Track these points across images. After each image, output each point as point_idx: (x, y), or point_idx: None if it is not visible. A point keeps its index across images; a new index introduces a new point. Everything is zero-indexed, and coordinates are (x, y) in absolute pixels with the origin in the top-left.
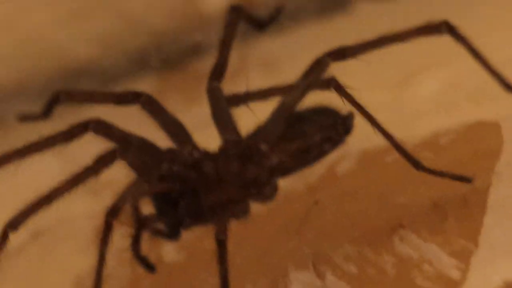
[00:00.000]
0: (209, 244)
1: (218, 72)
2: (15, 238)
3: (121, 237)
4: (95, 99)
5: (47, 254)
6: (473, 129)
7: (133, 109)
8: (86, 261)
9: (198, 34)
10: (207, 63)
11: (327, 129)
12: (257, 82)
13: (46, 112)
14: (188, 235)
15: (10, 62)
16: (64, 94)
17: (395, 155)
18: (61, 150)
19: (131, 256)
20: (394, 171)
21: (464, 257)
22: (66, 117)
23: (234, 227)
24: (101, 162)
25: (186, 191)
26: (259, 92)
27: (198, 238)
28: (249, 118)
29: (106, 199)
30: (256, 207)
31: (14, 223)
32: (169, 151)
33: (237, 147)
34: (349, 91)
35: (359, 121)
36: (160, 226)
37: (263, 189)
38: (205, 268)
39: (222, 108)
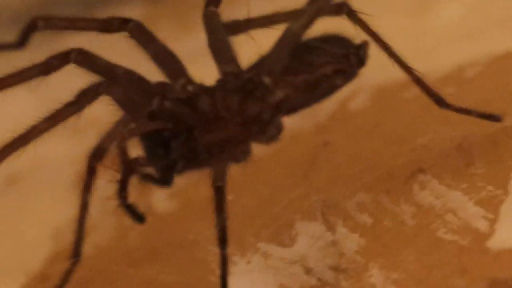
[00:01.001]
0: (205, 191)
1: None
2: None
3: (106, 183)
4: (77, 26)
5: (22, 204)
6: (503, 60)
7: (120, 38)
8: (66, 211)
9: None
10: None
11: (338, 60)
12: (259, 6)
13: (22, 41)
14: (182, 181)
15: None
16: (42, 21)
17: (415, 90)
18: (38, 84)
19: (117, 205)
20: (414, 109)
21: (492, 205)
22: (45, 47)
23: (234, 171)
24: (84, 98)
25: (179, 130)
26: (261, 18)
27: (193, 184)
28: (250, 48)
29: (89, 140)
30: (258, 149)
31: None
32: (160, 84)
33: (237, 80)
34: (363, 16)
35: (374, 52)
36: (150, 170)
37: (266, 128)
38: (201, 218)
39: (220, 37)
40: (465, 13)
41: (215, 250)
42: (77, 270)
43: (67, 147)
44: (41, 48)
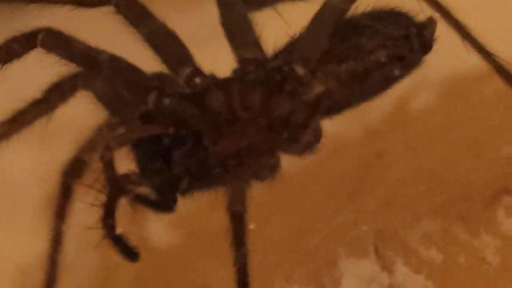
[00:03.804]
0: (219, 218)
1: None
2: None
3: (85, 207)
4: None
5: None
6: None
7: (102, 14)
8: (33, 244)
9: None
10: None
11: (396, 43)
12: None
13: None
14: (187, 205)
15: None
16: None
17: (497, 83)
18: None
19: (102, 236)
20: (495, 108)
21: None
22: (5, 25)
23: (257, 192)
24: (56, 94)
25: (183, 136)
26: None
27: (202, 209)
28: (277, 27)
29: (63, 150)
30: (289, 162)
31: None
32: (158, 76)
33: (260, 70)
34: None
35: (442, 33)
36: (145, 190)
37: (300, 134)
38: (212, 255)
39: (236, 13)
40: None
41: None
42: None
43: (34, 159)
44: (1, 27)
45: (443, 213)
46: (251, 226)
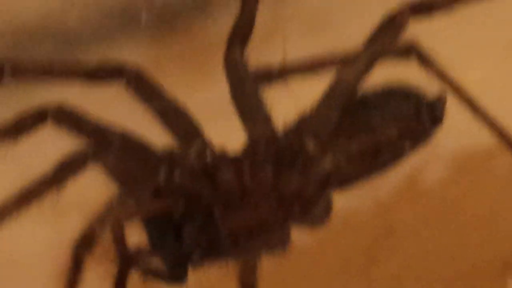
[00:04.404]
0: None
1: (240, 34)
2: None
3: (97, 280)
4: (56, 73)
5: None
6: None
7: (113, 90)
8: None
9: None
10: (223, 21)
11: (406, 119)
12: (299, 48)
13: None
14: (198, 278)
15: None
16: (10, 67)
17: (507, 158)
18: (8, 151)
19: None
20: (505, 183)
21: None
22: (14, 102)
23: (267, 264)
24: (66, 169)
25: (194, 210)
26: (302, 64)
27: (214, 281)
28: (288, 103)
29: (74, 225)
30: (300, 235)
31: None
32: (169, 152)
33: (271, 146)
34: (437, 62)
35: (452, 107)
36: (156, 263)
37: (311, 207)
38: None
39: (247, 88)
40: None
41: None
42: None
43: (45, 233)
44: (9, 104)
45: (454, 286)
46: None
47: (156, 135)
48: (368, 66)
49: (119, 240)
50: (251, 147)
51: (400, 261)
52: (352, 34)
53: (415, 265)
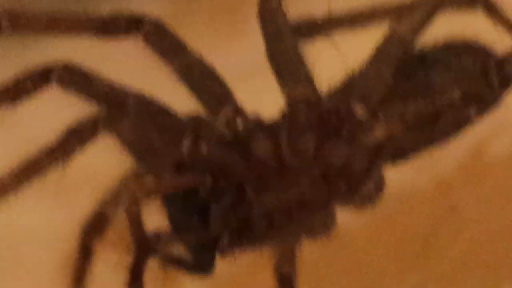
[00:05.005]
0: (264, 282)
1: None
2: None
3: (108, 270)
4: (64, 26)
5: None
6: None
7: (129, 45)
8: None
9: None
10: None
11: (471, 80)
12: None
13: None
14: (228, 267)
15: None
16: (10, 18)
17: None
18: (9, 116)
19: None
20: None
21: None
22: (13, 60)
23: (309, 251)
24: (74, 138)
25: (223, 188)
26: (349, 16)
27: (246, 271)
28: (333, 61)
29: (82, 204)
30: (346, 217)
31: None
32: (194, 119)
33: (313, 112)
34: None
35: None
36: (178, 249)
37: (359, 183)
38: None
39: (285, 43)
40: None
41: None
42: None
43: (49, 215)
44: (10, 61)
45: None
46: None
47: (179, 99)
48: (427, 17)
49: (135, 223)
50: (290, 113)
51: (463, 246)
52: None
53: (480, 250)
